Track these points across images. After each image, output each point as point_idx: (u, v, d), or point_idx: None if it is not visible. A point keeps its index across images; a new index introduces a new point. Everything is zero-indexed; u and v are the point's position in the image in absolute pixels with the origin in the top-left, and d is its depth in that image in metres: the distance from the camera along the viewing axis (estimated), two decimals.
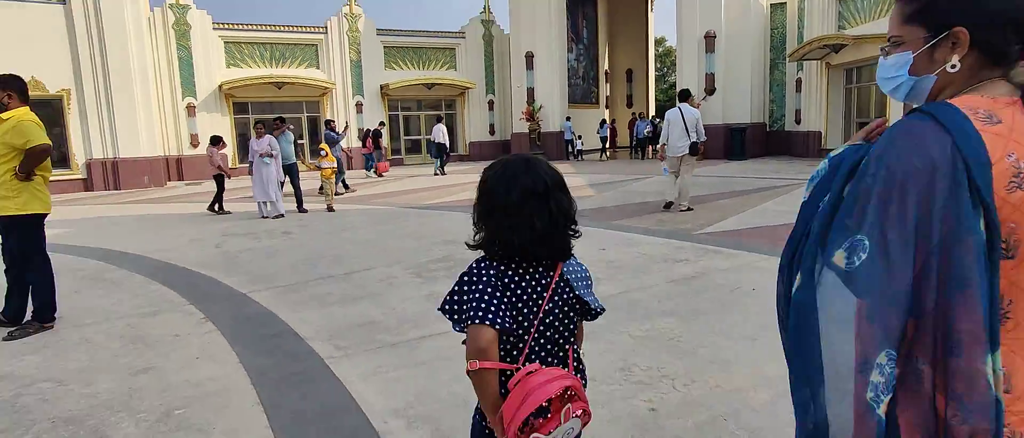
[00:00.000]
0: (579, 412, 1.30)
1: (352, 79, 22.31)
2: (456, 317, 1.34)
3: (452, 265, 5.64)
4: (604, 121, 24.60)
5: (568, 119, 23.06)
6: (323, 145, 11.57)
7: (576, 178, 14.67)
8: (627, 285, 4.76)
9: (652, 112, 29.12)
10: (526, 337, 1.35)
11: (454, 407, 2.76)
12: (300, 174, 10.86)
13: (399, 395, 2.95)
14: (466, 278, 1.34)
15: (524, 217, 1.29)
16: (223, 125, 19.60)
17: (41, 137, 3.97)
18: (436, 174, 17.48)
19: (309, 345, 3.71)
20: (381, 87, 22.83)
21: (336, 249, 6.81)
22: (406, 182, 16.02)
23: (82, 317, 4.47)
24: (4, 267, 4.28)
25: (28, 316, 4.23)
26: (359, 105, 22.39)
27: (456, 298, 1.34)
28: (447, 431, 2.58)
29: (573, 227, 1.37)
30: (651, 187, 11.96)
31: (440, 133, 18.24)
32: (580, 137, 23.12)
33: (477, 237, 1.37)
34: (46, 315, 4.19)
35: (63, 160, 16.52)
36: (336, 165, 11.77)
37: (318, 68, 21.84)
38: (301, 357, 3.53)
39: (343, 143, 14.45)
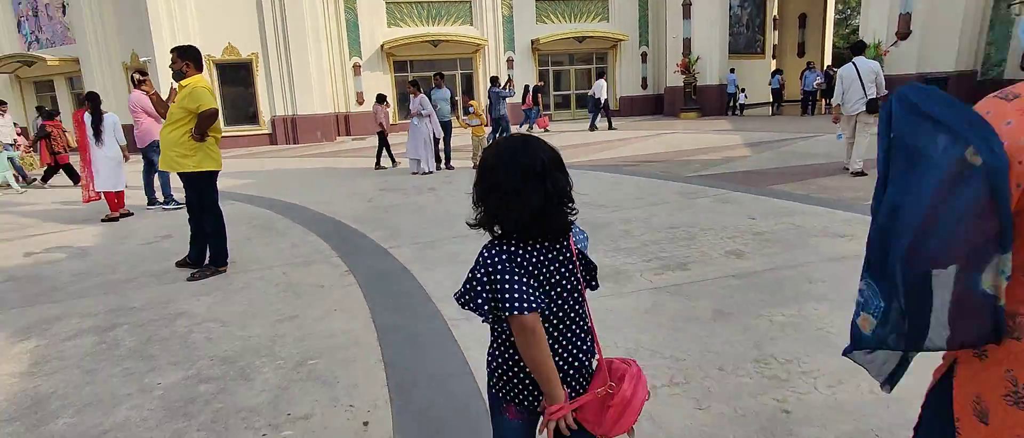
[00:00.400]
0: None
1: (504, 34, 22.50)
2: (488, 310, 1.33)
3: (584, 229, 5.47)
4: (777, 72, 22.36)
5: (732, 71, 21.30)
6: (473, 102, 11.77)
7: (732, 136, 13.60)
8: (775, 261, 4.28)
9: (827, 61, 26.01)
10: (585, 314, 1.44)
11: None
12: (453, 131, 11.19)
13: None
14: (481, 270, 1.33)
15: (521, 196, 1.30)
16: (384, 83, 20.90)
17: (211, 102, 4.41)
18: (592, 129, 17.35)
19: (436, 305, 3.80)
20: (532, 42, 22.78)
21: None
22: (560, 138, 15.96)
23: (249, 264, 5.00)
24: (189, 216, 4.90)
25: (207, 260, 4.82)
26: (510, 61, 22.58)
27: (476, 288, 1.33)
28: None
29: (569, 204, 1.38)
30: (817, 147, 10.72)
31: (601, 88, 17.83)
32: (743, 90, 21.32)
33: (477, 215, 1.38)
34: (220, 261, 4.74)
35: (253, 117, 18.69)
36: (490, 121, 11.93)
37: (472, 25, 22.28)
38: (426, 317, 3.63)
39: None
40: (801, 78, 20.95)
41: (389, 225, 6.23)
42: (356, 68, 20.85)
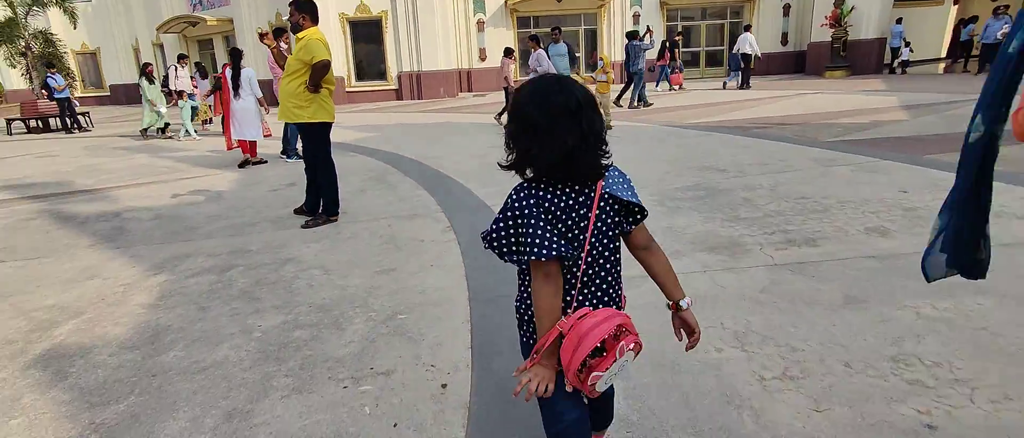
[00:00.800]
0: (631, 346, 1.35)
1: None
2: (510, 253, 1.34)
3: (702, 195, 5.05)
4: (968, 20, 19.12)
5: (899, 21, 18.66)
6: (603, 56, 11.27)
7: (885, 97, 12.03)
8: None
9: None
10: (580, 257, 1.36)
11: (654, 366, 2.40)
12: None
13: None
14: (510, 213, 1.32)
15: (555, 135, 1.26)
16: (507, 39, 20.76)
17: (323, 54, 4.48)
18: (742, 87, 16.18)
19: None
20: None
21: None
22: (688, 97, 15.10)
23: (359, 214, 5.13)
24: (305, 166, 5.09)
25: (321, 209, 5.00)
26: (636, 16, 21.53)
27: (502, 231, 1.33)
28: (641, 391, 2.25)
29: (603, 147, 1.33)
30: None
31: (747, 42, 16.42)
32: (908, 44, 18.64)
33: (509, 158, 1.34)
34: (331, 210, 4.90)
35: (382, 74, 19.43)
36: (626, 76, 11.36)
37: None
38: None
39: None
40: (984, 28, 17.89)
41: (497, 182, 6.14)
42: (480, 24, 20.90)
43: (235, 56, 7.78)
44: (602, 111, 7.05)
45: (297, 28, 4.58)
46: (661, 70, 17.85)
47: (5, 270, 4.21)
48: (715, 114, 11.09)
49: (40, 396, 2.49)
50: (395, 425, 2.16)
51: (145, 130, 12.41)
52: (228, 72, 7.74)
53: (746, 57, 16.37)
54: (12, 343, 3.01)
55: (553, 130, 1.26)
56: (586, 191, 1.34)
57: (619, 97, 13.45)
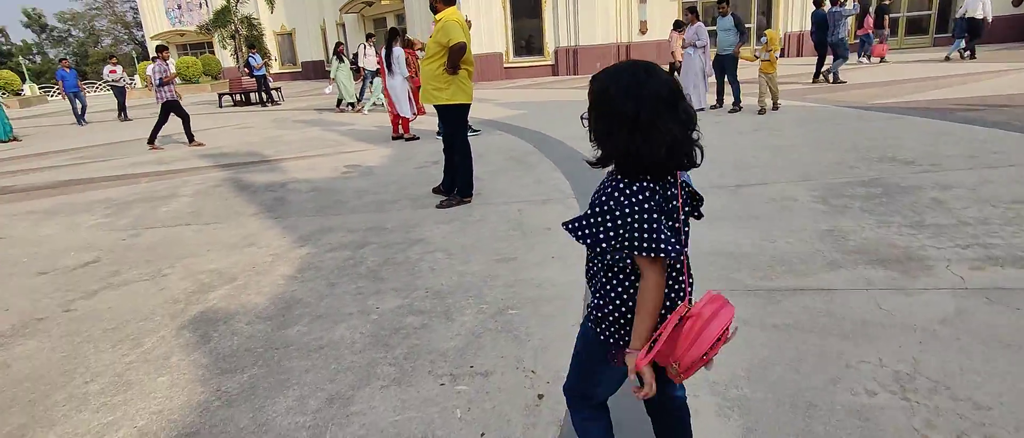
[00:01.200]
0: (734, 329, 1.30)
1: None
2: (617, 250, 1.24)
3: (878, 194, 4.31)
4: None
5: None
6: (768, 32, 10.17)
7: None
8: None
9: None
10: (684, 250, 1.31)
11: (787, 403, 2.04)
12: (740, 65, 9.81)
13: (727, 363, 2.35)
14: (621, 210, 1.21)
15: (659, 129, 1.18)
16: (671, 11, 19.66)
17: (459, 36, 4.46)
18: (950, 59, 13.76)
19: None
20: None
21: (742, 154, 6.05)
22: (881, 70, 13.27)
23: (492, 196, 5.12)
24: (443, 147, 5.18)
25: (456, 190, 5.06)
26: None
27: (612, 223, 1.22)
28: (764, 434, 1.92)
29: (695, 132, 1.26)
30: None
31: (978, 4, 13.64)
32: None
33: (599, 156, 1.28)
34: (465, 192, 4.94)
35: (539, 49, 19.45)
36: (774, 58, 10.28)
37: None
38: None
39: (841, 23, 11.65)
40: None
41: None
42: None
43: (390, 35, 8.17)
44: (769, 90, 6.33)
45: (434, 10, 4.60)
46: (862, 40, 15.56)
47: (187, 233, 4.80)
48: (912, 92, 9.53)
49: (185, 357, 2.75)
50: (482, 434, 2.06)
51: (352, 104, 13.64)
52: (383, 51, 8.16)
53: (974, 22, 13.65)
54: (177, 302, 3.40)
55: (657, 124, 1.18)
56: (671, 180, 1.28)
57: (820, 71, 12.00)
